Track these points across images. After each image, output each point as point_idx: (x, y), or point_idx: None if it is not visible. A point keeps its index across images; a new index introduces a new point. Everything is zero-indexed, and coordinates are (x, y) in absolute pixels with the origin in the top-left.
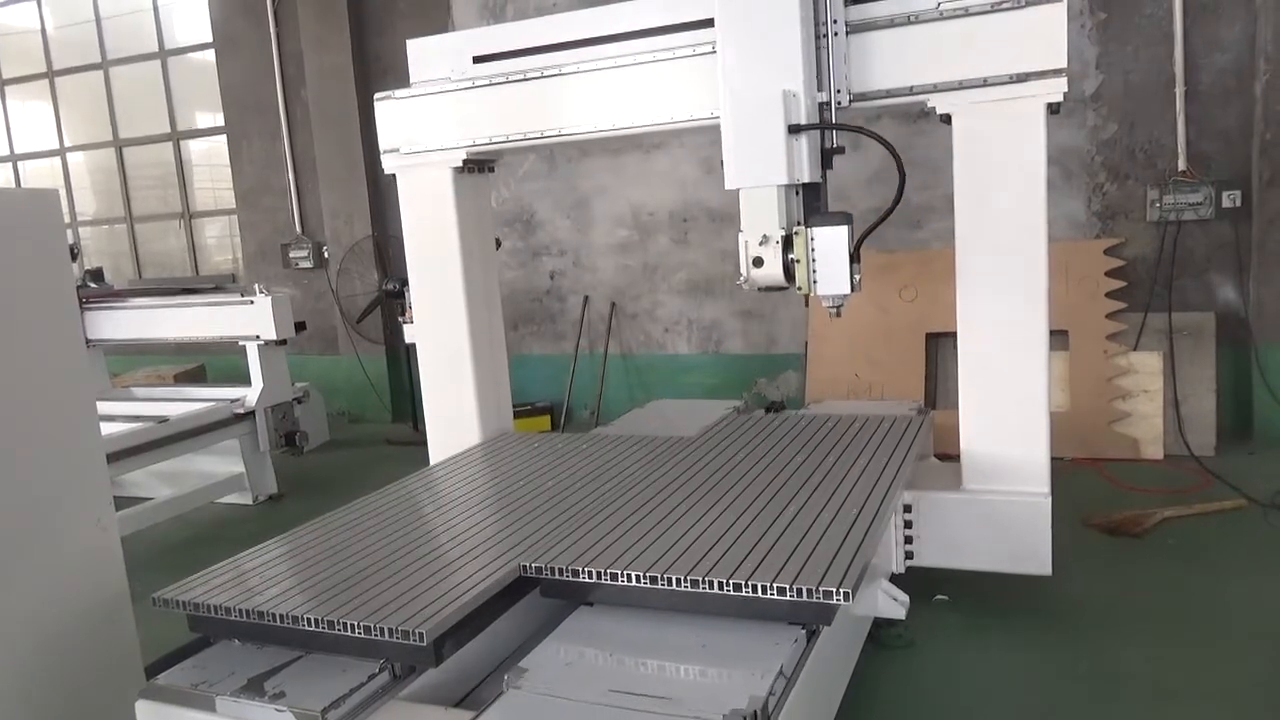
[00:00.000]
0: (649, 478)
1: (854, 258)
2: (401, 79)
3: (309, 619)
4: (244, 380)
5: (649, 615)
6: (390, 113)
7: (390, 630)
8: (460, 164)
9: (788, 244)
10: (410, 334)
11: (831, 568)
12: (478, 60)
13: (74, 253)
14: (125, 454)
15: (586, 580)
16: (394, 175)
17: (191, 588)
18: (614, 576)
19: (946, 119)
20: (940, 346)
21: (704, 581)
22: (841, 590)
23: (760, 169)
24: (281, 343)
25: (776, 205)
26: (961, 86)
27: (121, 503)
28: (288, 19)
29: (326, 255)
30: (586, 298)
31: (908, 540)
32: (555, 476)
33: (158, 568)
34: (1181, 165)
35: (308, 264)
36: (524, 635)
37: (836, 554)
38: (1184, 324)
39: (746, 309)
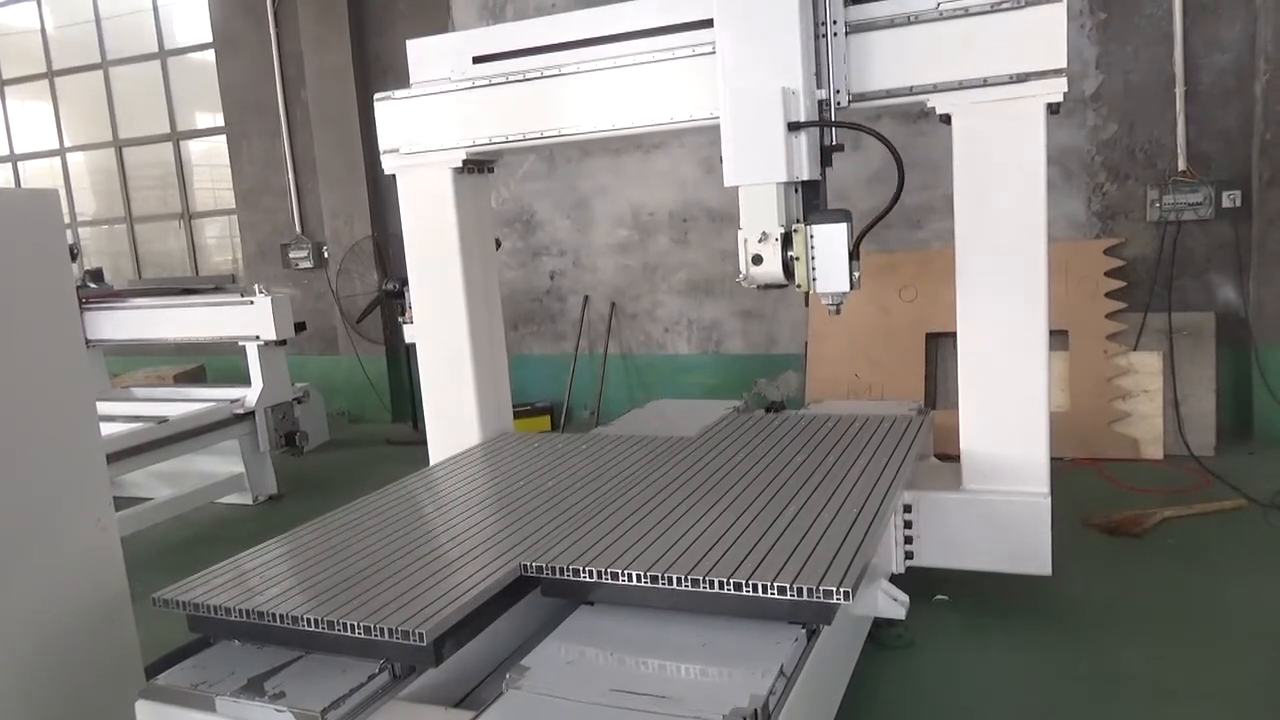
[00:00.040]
0: (649, 478)
1: (853, 255)
2: (401, 79)
3: (309, 619)
4: (244, 380)
5: (650, 614)
6: (390, 113)
7: (390, 630)
8: (460, 164)
9: (787, 241)
10: (410, 334)
11: (832, 567)
12: (478, 60)
13: (74, 253)
14: (125, 454)
15: (587, 580)
16: (394, 175)
17: (191, 588)
18: (615, 576)
19: (946, 119)
20: (940, 346)
21: (705, 581)
22: (841, 589)
23: (760, 166)
24: (281, 343)
25: (776, 202)
26: (961, 86)
27: (121, 503)
28: (288, 19)
29: (326, 255)
30: (586, 298)
31: (908, 540)
32: (555, 476)
33: (158, 568)
34: (1181, 165)
35: (308, 264)
36: (524, 635)
37: (837, 553)
38: (1184, 324)
39: (746, 309)
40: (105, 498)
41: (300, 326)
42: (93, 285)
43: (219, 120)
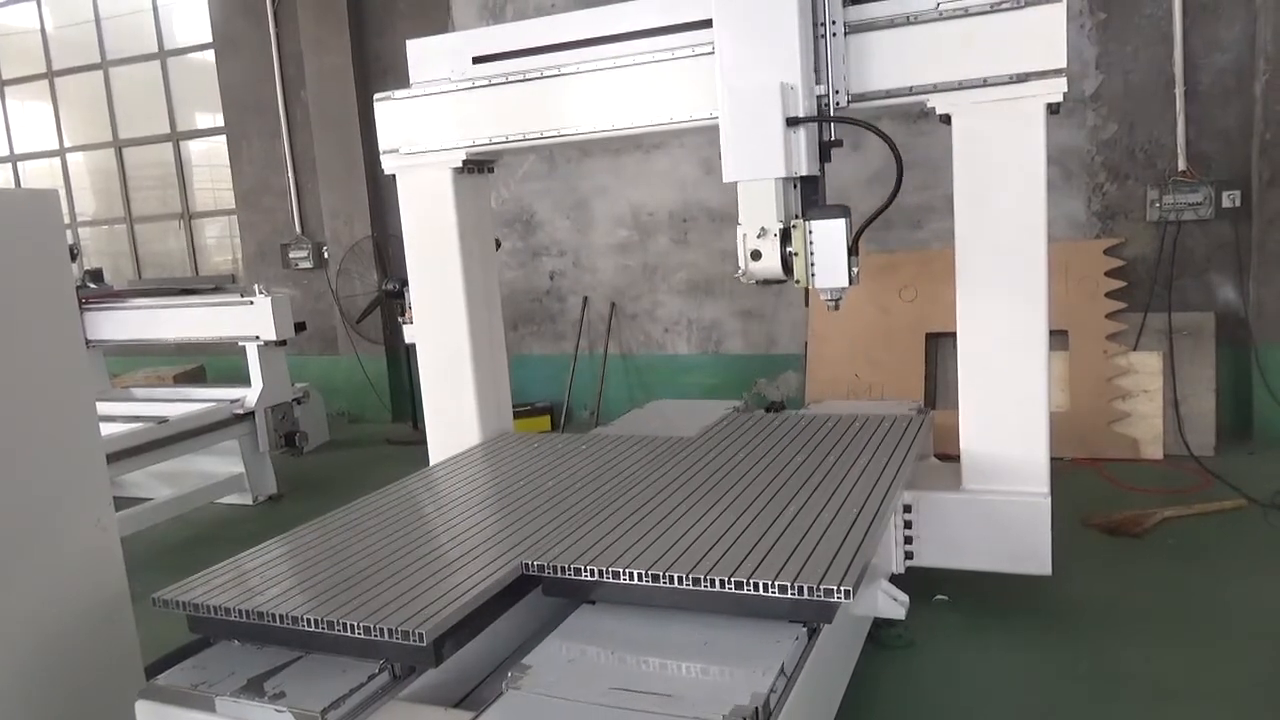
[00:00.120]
0: (649, 477)
1: (852, 251)
2: (401, 79)
3: (309, 619)
4: (244, 381)
5: (651, 613)
6: (390, 113)
7: (390, 630)
8: (460, 164)
9: (786, 237)
10: (410, 334)
11: (832, 566)
12: (477, 61)
13: (74, 253)
14: (125, 454)
15: (589, 579)
16: (394, 175)
17: (191, 588)
18: (616, 575)
19: (946, 119)
20: (940, 346)
21: (706, 580)
22: (842, 588)
23: (758, 162)
24: (281, 343)
25: (774, 198)
26: (961, 87)
27: (121, 503)
28: (287, 19)
29: (326, 255)
30: (586, 298)
31: (908, 540)
32: (555, 476)
33: (158, 568)
34: (1181, 165)
35: (307, 264)
36: (524, 635)
37: (837, 553)
38: (1184, 324)
39: (746, 309)
40: (105, 498)
41: (300, 327)
42: (93, 285)
43: (219, 120)
